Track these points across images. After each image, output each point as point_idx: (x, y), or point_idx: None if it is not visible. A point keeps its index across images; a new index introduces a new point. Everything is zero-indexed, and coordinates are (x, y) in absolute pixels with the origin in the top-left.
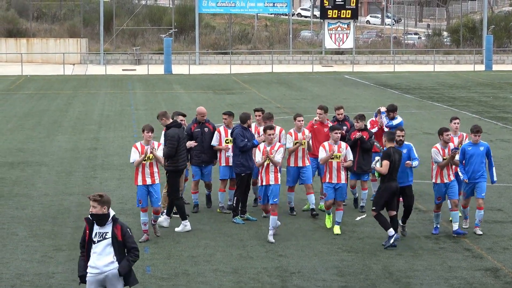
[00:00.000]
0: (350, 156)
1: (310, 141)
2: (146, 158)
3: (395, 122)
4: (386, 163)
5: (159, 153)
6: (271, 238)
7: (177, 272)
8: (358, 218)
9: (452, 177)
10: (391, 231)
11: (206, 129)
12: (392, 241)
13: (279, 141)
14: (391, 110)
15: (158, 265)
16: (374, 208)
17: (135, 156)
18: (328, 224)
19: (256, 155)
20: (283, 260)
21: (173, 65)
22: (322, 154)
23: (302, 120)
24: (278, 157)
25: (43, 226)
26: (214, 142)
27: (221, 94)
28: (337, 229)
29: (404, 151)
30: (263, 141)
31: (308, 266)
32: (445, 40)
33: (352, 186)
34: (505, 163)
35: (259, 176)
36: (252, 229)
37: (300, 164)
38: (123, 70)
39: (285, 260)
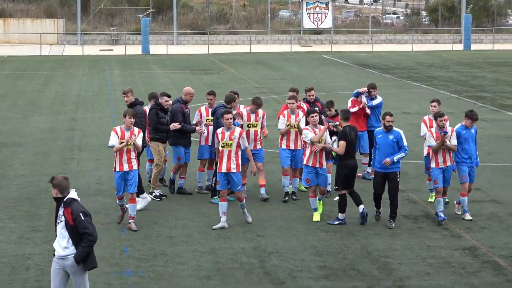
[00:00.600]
0: (329, 140)
1: (302, 124)
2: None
3: (375, 102)
4: (342, 143)
5: (139, 140)
6: (249, 219)
7: (155, 253)
8: (336, 198)
9: (448, 163)
10: (342, 215)
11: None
12: (336, 222)
13: (262, 124)
14: (372, 87)
15: (135, 246)
16: (337, 187)
17: (114, 141)
18: (317, 217)
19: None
20: (261, 240)
21: (151, 45)
22: (310, 135)
23: (294, 103)
24: (245, 143)
25: (20, 207)
26: (194, 121)
27: (199, 74)
28: (316, 216)
29: (391, 137)
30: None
31: (286, 246)
32: (424, 19)
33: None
34: (483, 142)
35: (219, 162)
36: (230, 209)
37: (292, 147)
38: (100, 50)
39: (263, 240)
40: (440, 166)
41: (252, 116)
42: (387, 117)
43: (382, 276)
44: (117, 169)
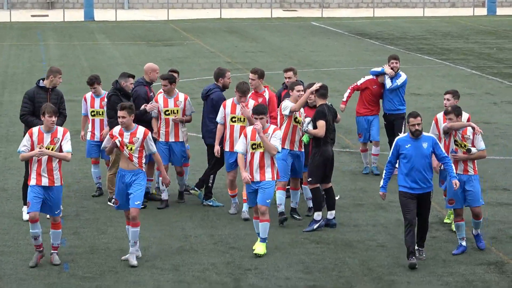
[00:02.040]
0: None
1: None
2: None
3: (399, 80)
4: (322, 123)
5: (66, 146)
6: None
7: (102, 270)
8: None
9: (471, 171)
10: (318, 215)
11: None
12: (315, 226)
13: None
14: (395, 58)
15: (78, 261)
16: (310, 179)
17: (23, 146)
18: None
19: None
20: (235, 253)
21: (96, 9)
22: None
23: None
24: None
25: None
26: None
27: (156, 46)
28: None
29: (425, 145)
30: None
31: (267, 261)
32: None
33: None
34: (511, 131)
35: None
36: (197, 215)
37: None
38: (32, 16)
39: (238, 254)
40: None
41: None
42: (412, 119)
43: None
44: (32, 182)
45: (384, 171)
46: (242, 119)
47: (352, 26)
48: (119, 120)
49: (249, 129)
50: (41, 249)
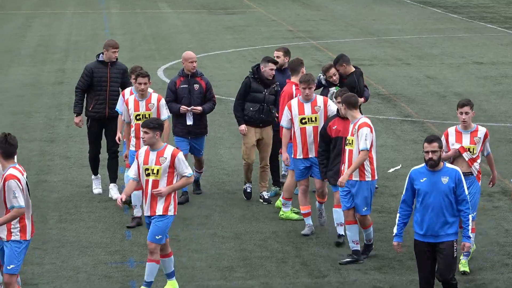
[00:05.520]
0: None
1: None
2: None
3: None
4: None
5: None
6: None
7: None
8: (391, 170)
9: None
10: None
11: (196, 86)
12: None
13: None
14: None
15: (141, 230)
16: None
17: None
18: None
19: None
20: (296, 222)
21: None
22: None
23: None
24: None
25: None
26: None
27: (218, 14)
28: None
29: (445, 180)
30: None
31: (328, 230)
32: None
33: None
34: None
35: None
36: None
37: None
38: None
39: (299, 223)
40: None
41: (307, 106)
42: (426, 145)
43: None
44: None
45: (398, 214)
46: (313, 119)
47: None
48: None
49: None
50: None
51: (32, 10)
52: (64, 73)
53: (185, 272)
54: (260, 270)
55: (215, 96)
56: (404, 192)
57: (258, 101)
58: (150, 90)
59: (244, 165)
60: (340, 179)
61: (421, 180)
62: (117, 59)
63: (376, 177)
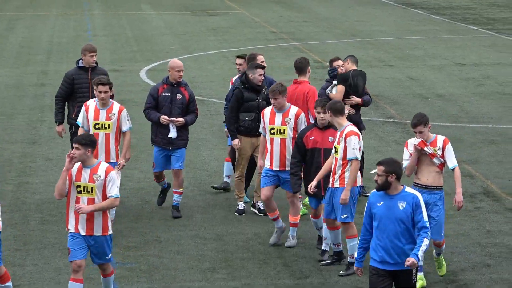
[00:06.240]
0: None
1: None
2: None
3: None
4: (341, 88)
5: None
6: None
7: (146, 240)
8: (373, 171)
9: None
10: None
11: (179, 96)
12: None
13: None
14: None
15: (123, 231)
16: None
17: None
18: None
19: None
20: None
21: None
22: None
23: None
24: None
25: None
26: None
27: (201, 15)
28: None
29: (401, 205)
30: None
31: (310, 231)
32: None
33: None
34: None
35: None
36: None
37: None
38: None
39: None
40: None
41: (278, 117)
42: (380, 167)
43: (431, 269)
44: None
45: (359, 239)
46: (282, 131)
47: None
48: None
49: None
50: None
51: (15, 12)
52: (47, 75)
53: (167, 273)
54: (242, 271)
55: (198, 97)
56: (364, 216)
57: (253, 110)
58: (112, 100)
59: (238, 178)
60: (342, 197)
61: (378, 204)
62: (97, 63)
63: (359, 184)
